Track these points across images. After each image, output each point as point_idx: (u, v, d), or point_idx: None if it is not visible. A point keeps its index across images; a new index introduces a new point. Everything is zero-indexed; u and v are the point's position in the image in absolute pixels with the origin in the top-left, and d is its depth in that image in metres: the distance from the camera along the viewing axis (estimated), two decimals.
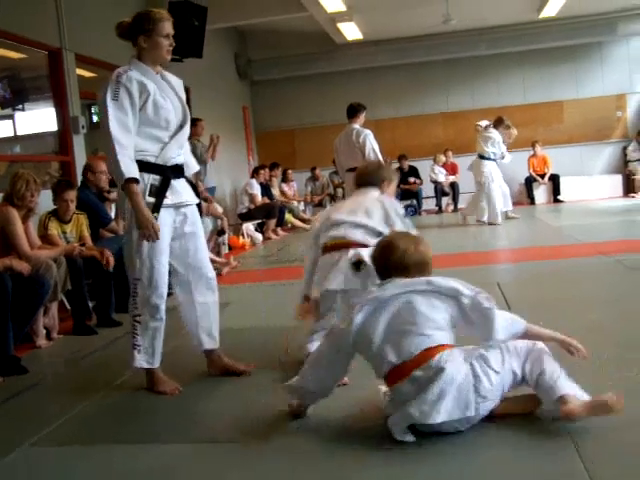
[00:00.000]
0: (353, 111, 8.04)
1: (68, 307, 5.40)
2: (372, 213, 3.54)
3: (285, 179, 13.42)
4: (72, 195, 5.51)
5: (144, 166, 3.36)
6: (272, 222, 11.49)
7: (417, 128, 14.35)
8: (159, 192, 3.40)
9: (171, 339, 3.89)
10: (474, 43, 13.45)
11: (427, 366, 2.54)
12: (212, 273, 3.80)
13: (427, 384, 2.51)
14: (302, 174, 13.97)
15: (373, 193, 3.71)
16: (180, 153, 3.58)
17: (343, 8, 10.93)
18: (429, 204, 14.16)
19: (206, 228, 8.37)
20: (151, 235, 3.31)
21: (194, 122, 10.00)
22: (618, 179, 13.94)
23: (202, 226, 3.84)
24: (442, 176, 13.85)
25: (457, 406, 2.51)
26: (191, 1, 9.66)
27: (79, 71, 7.84)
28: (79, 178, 6.67)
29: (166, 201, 3.44)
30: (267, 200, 11.63)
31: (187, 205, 3.61)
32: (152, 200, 3.37)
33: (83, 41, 7.65)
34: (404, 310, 2.66)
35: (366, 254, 3.26)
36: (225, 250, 9.26)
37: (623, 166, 14.01)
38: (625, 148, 13.97)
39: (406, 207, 13.82)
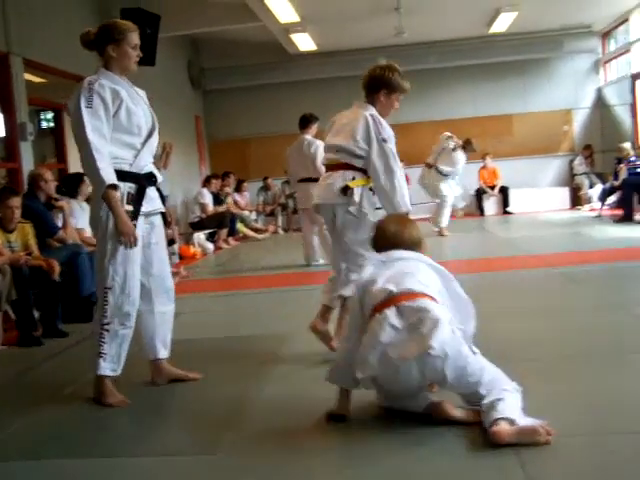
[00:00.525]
0: (305, 122, 8.09)
1: (13, 317, 5.27)
2: (356, 132, 3.96)
3: (239, 189, 13.36)
4: (17, 202, 5.40)
5: (120, 174, 3.36)
6: (223, 232, 11.43)
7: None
8: (136, 200, 3.45)
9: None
10: (426, 56, 13.62)
11: (416, 302, 2.75)
12: (172, 283, 3.82)
13: (413, 317, 2.71)
14: (254, 184, 13.93)
15: (366, 109, 4.16)
16: (151, 160, 3.63)
17: (296, 19, 10.97)
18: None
19: None
20: (131, 242, 3.35)
21: None
22: (565, 192, 14.23)
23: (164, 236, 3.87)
24: None
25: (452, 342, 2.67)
26: (144, 9, 9.59)
27: (27, 76, 7.68)
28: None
29: (143, 208, 3.49)
30: (219, 209, 11.56)
31: (156, 213, 3.66)
32: (130, 208, 3.40)
33: (32, 45, 7.50)
34: (408, 266, 2.96)
35: (350, 176, 3.86)
36: (175, 260, 9.17)
37: (570, 179, 14.33)
38: (572, 162, 14.29)
39: None
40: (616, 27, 14.04)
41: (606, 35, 14.52)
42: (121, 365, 3.52)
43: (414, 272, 2.91)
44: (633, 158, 11.17)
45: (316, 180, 7.75)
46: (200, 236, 11.03)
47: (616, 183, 11.37)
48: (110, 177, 3.27)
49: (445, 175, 10.61)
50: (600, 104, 14.60)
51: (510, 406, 2.59)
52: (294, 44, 12.81)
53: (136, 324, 3.62)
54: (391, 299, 2.78)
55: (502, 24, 12.40)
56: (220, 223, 11.29)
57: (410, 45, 13.27)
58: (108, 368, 3.46)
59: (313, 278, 7.25)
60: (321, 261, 8.14)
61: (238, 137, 14.83)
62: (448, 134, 10.83)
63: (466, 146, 10.69)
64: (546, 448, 2.46)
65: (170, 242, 8.84)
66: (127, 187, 3.42)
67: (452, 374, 2.66)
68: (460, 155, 10.61)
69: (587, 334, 4.19)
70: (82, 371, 3.84)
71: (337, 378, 2.95)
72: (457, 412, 2.76)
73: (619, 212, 10.99)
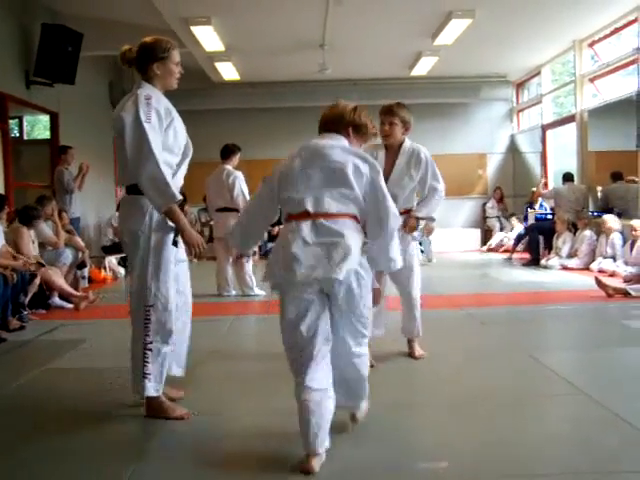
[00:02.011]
0: (227, 152, 8.12)
1: None
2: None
3: None
4: None
5: None
6: None
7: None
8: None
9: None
10: (349, 93, 13.77)
11: (333, 224, 2.77)
12: (191, 301, 3.81)
13: (326, 238, 2.74)
14: None
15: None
16: (182, 182, 3.63)
17: (222, 48, 10.97)
18: None
19: (66, 260, 8.04)
20: (200, 252, 3.42)
21: (64, 149, 9.71)
22: (477, 233, 14.64)
23: None
24: None
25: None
26: (66, 26, 9.41)
27: None
28: None
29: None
30: None
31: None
32: (173, 225, 3.41)
33: None
34: (333, 170, 2.85)
35: None
36: (85, 284, 8.91)
37: (482, 221, 14.75)
38: (484, 204, 14.73)
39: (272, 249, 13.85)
40: (529, 79, 14.65)
41: (520, 85, 15.12)
42: (162, 384, 3.48)
43: (338, 179, 2.85)
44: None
45: (233, 210, 7.81)
46: (112, 260, 10.77)
47: (525, 226, 11.78)
48: (177, 193, 3.30)
49: None
50: (513, 150, 15.17)
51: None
52: (218, 72, 12.80)
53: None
54: (308, 214, 2.79)
55: (423, 68, 12.75)
56: None
57: (333, 81, 13.44)
58: (153, 389, 3.44)
59: (224, 309, 7.19)
60: (233, 292, 8.12)
61: None
62: None
63: None
64: None
65: (80, 266, 8.61)
66: None
67: (345, 303, 2.83)
68: None
69: (486, 377, 4.28)
70: None
71: (236, 241, 3.28)
72: None
73: (527, 255, 11.35)
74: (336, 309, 2.86)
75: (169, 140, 3.41)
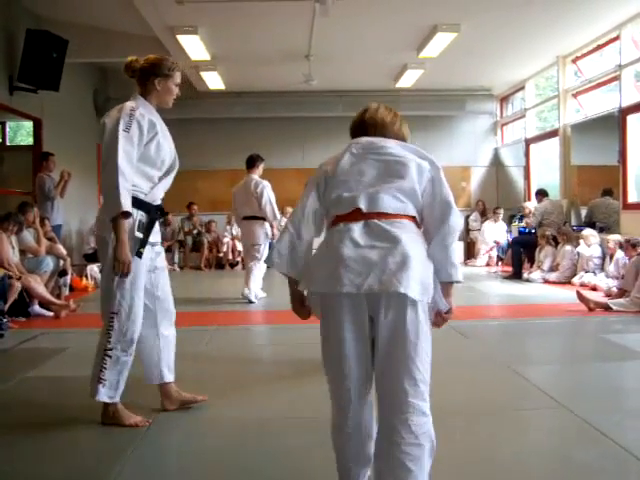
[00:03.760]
0: (252, 161, 8.37)
1: None
2: None
3: None
4: None
5: (135, 202, 3.38)
6: None
7: (272, 181, 14.38)
8: (146, 228, 3.49)
9: None
10: (334, 104, 13.84)
11: (388, 225, 2.32)
12: (173, 307, 3.84)
13: (381, 241, 2.28)
14: None
15: None
16: (163, 195, 3.65)
17: (207, 57, 10.98)
18: None
19: (47, 268, 7.98)
20: (124, 272, 3.34)
21: (46, 156, 9.65)
22: (460, 245, 14.68)
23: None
24: None
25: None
26: (51, 32, 9.37)
27: None
28: None
29: (149, 239, 3.53)
30: None
31: (159, 244, 3.75)
32: (140, 235, 3.45)
33: None
34: (389, 167, 2.43)
35: None
36: (66, 292, 8.84)
37: (465, 234, 14.81)
38: (468, 217, 14.80)
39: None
40: (513, 93, 14.77)
41: (504, 99, 15.23)
42: (119, 393, 3.51)
43: (397, 173, 2.40)
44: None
45: (260, 219, 8.10)
46: (94, 268, 10.69)
47: (509, 239, 11.86)
48: (127, 203, 3.26)
49: None
50: (497, 164, 15.28)
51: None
52: (203, 82, 12.80)
53: (139, 350, 3.64)
54: (361, 214, 2.35)
55: (408, 80, 12.82)
56: None
57: (319, 92, 13.49)
58: (106, 395, 3.48)
59: (207, 318, 7.17)
60: (264, 295, 8.54)
61: None
62: None
63: None
64: None
65: (61, 274, 8.54)
66: (140, 215, 3.45)
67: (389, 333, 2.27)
68: None
69: (466, 390, 4.30)
70: None
71: (276, 264, 2.49)
72: None
73: (509, 269, 11.41)
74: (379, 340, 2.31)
75: (150, 153, 3.46)
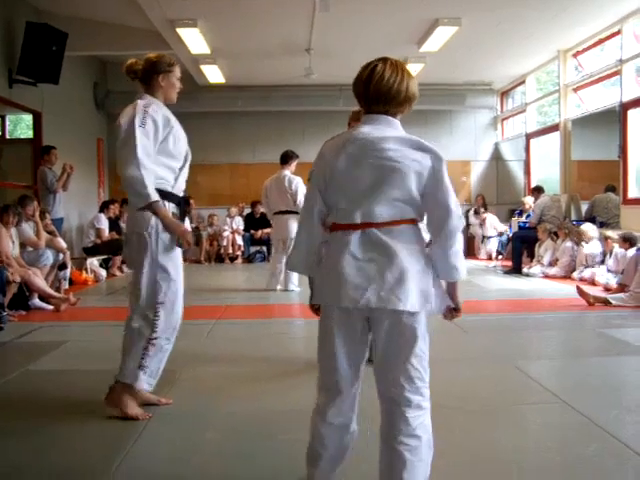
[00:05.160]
0: (287, 158, 8.65)
1: None
2: None
3: None
4: None
5: (163, 194, 3.51)
6: (118, 259, 11.15)
7: (273, 175, 14.50)
8: (180, 220, 3.61)
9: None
10: (335, 98, 13.82)
11: (386, 234, 2.32)
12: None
13: (378, 253, 2.30)
14: None
15: None
16: (184, 186, 3.77)
17: (207, 51, 10.96)
18: None
19: (46, 261, 7.98)
20: (189, 241, 3.53)
21: (48, 149, 9.65)
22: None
23: None
24: None
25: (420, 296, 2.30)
26: (51, 25, 9.35)
27: None
28: None
29: None
30: (115, 235, 11.26)
31: None
32: None
33: None
34: (393, 171, 2.33)
35: None
36: (66, 285, 8.84)
37: (465, 228, 14.80)
38: (468, 212, 14.78)
39: (255, 253, 13.84)
40: (513, 87, 14.76)
41: (504, 94, 15.22)
42: (156, 381, 3.61)
43: (393, 181, 2.33)
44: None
45: (293, 213, 8.27)
46: (94, 262, 10.71)
47: (509, 233, 11.86)
48: (155, 194, 3.41)
49: None
50: (497, 158, 15.27)
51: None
52: (203, 75, 12.79)
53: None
54: (357, 225, 2.35)
55: None
56: (115, 250, 10.98)
57: (320, 86, 13.47)
58: (146, 382, 3.55)
59: (206, 312, 7.18)
60: (293, 287, 8.72)
61: None
62: None
63: None
64: None
65: (61, 267, 8.54)
66: (171, 207, 3.58)
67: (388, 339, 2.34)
68: None
69: (466, 384, 4.29)
70: None
71: (296, 266, 2.58)
72: None
73: (509, 263, 11.42)
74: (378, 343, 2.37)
75: (169, 146, 3.57)
